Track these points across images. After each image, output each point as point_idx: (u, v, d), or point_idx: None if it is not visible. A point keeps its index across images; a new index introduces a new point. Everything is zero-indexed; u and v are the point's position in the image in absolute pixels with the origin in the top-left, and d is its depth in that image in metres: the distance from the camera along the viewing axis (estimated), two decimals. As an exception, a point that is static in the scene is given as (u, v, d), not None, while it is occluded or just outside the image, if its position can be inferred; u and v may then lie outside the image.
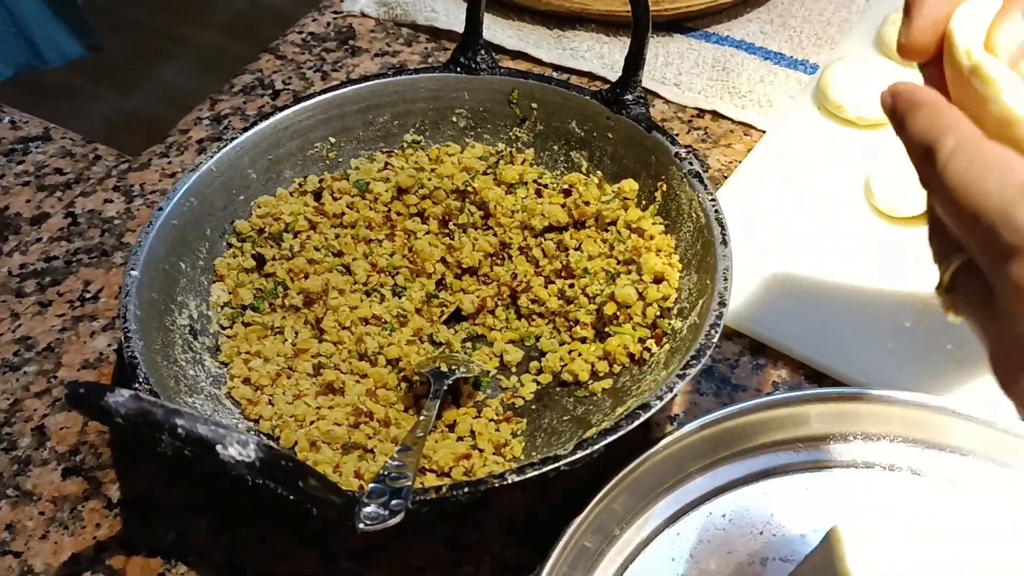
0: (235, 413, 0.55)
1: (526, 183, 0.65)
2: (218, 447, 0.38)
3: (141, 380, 0.50)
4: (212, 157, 0.62)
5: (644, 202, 0.62)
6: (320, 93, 0.66)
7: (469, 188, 0.64)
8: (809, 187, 0.69)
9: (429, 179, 0.65)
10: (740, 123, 0.76)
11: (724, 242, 0.54)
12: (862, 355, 0.60)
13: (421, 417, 0.52)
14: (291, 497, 0.41)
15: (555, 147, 0.66)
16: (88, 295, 0.66)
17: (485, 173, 0.66)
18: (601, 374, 0.57)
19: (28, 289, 0.67)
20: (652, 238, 0.59)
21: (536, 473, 0.45)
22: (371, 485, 0.44)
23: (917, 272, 0.64)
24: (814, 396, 0.56)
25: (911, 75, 0.80)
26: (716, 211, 0.56)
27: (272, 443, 0.54)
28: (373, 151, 0.68)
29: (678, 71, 0.79)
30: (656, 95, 0.78)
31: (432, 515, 0.51)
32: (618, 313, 0.57)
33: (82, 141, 0.78)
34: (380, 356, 0.58)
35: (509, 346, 0.60)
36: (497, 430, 0.55)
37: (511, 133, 0.67)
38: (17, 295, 0.67)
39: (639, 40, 0.61)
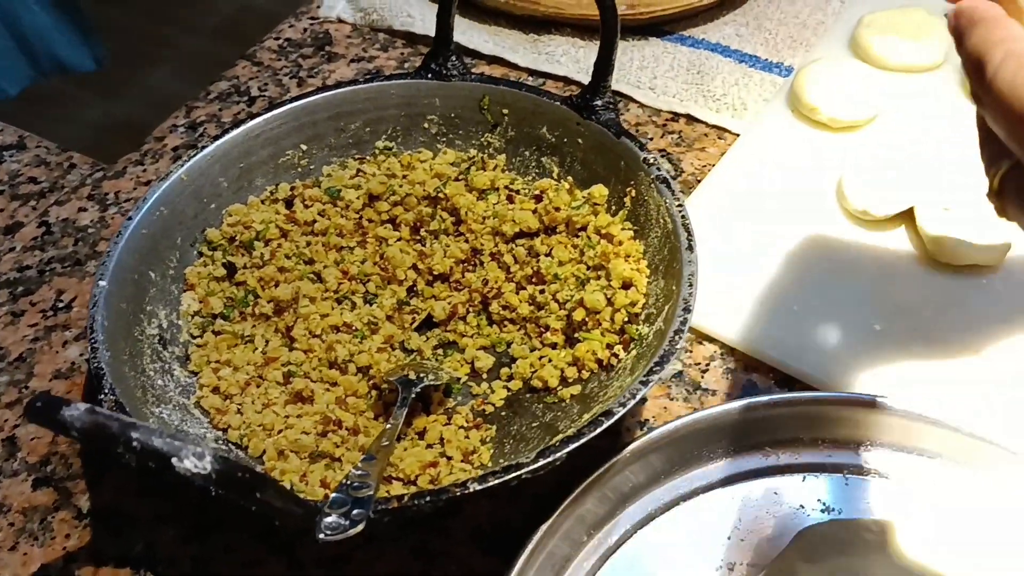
0: (204, 423, 0.55)
1: (498, 189, 0.66)
2: (173, 460, 0.38)
3: (107, 391, 0.50)
4: (183, 166, 0.62)
5: (614, 207, 0.62)
6: (292, 100, 0.66)
7: (441, 194, 0.65)
8: (782, 190, 0.69)
9: (401, 186, 0.65)
10: (714, 126, 0.76)
11: (690, 247, 0.54)
12: (832, 358, 0.60)
13: (388, 425, 0.52)
14: (253, 508, 0.41)
15: (526, 153, 0.67)
16: (61, 304, 0.66)
17: (457, 179, 0.66)
18: (570, 380, 0.57)
19: (0, 299, 0.67)
20: (621, 243, 0.59)
21: (498, 481, 0.45)
22: (333, 495, 0.44)
23: (888, 274, 0.64)
24: (784, 400, 0.56)
25: (886, 78, 0.80)
26: (683, 216, 0.56)
27: (240, 452, 0.54)
28: (345, 158, 0.68)
29: (653, 75, 0.79)
30: (631, 99, 0.78)
31: (397, 524, 0.51)
32: (587, 319, 0.57)
33: (57, 150, 0.78)
34: (350, 364, 0.58)
35: (480, 352, 0.60)
36: (467, 437, 0.55)
37: (483, 139, 0.68)
38: (-10, 305, 0.67)
39: (608, 46, 0.61)
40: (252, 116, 0.65)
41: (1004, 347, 0.60)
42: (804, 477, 0.54)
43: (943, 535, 0.51)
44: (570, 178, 0.65)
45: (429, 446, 0.55)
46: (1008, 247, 0.63)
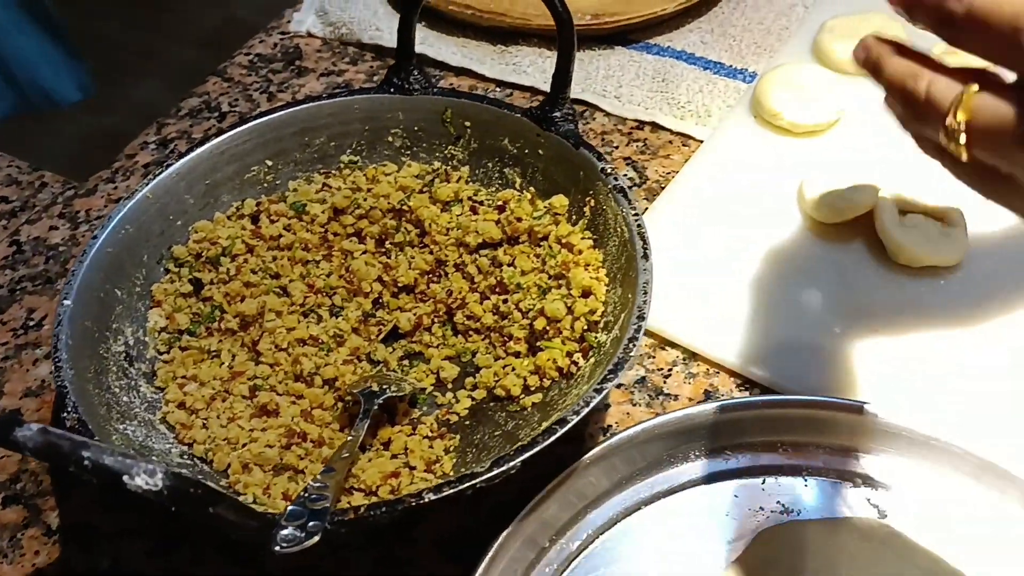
0: (169, 438, 0.56)
1: (461, 200, 0.66)
2: (124, 477, 0.38)
3: (70, 409, 0.50)
4: (148, 184, 0.62)
5: (574, 217, 0.63)
6: (257, 117, 0.67)
7: (405, 207, 0.65)
8: (744, 196, 0.70)
9: (365, 199, 0.66)
10: (679, 134, 0.77)
11: (645, 256, 0.55)
12: (793, 362, 0.61)
13: (349, 437, 0.53)
14: (208, 523, 0.42)
15: (489, 164, 0.67)
16: (32, 323, 0.67)
17: (421, 191, 0.67)
18: (532, 388, 0.58)
19: (-28, 318, 0.68)
20: (581, 252, 0.60)
21: (453, 491, 0.46)
22: (290, 507, 0.44)
23: (848, 277, 0.65)
24: (744, 404, 0.57)
25: (847, 82, 0.80)
26: (639, 226, 0.57)
27: (205, 466, 0.55)
28: (311, 173, 0.69)
29: (619, 83, 0.80)
30: (597, 108, 0.79)
31: (356, 534, 0.52)
32: (548, 328, 0.58)
33: (28, 168, 0.79)
34: (316, 376, 0.59)
35: (446, 363, 0.61)
36: (430, 447, 0.56)
37: (446, 151, 0.68)
38: (-39, 325, 0.68)
39: (565, 57, 0.62)
40: (217, 133, 0.66)
41: (962, 347, 0.61)
42: (764, 480, 0.55)
43: (901, 533, 0.52)
44: (532, 189, 0.65)
45: (394, 456, 0.55)
46: (966, 248, 0.64)
